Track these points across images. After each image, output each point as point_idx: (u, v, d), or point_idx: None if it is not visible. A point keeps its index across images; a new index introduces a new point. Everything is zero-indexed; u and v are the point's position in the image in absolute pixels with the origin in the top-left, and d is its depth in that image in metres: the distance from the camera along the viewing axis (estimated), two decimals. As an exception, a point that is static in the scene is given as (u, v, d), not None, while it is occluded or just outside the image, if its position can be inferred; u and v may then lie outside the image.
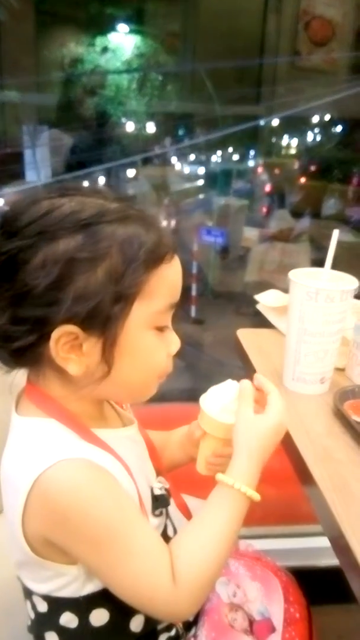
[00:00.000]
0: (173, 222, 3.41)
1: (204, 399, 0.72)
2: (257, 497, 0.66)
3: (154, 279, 0.61)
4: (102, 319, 0.59)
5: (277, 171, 3.56)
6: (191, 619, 0.77)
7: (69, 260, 0.57)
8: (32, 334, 0.59)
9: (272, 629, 0.77)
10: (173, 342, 0.67)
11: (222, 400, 0.70)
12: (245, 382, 0.70)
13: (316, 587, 0.95)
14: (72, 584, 0.65)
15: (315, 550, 1.43)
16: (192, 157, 3.48)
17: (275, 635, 0.76)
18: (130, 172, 3.28)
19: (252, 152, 3.53)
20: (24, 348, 0.60)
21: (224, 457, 0.72)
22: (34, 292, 0.57)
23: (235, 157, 3.50)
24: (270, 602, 0.80)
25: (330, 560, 0.66)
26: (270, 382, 0.72)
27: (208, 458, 0.74)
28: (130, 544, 0.60)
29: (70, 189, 0.63)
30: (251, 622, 0.77)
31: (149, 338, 0.63)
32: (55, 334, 0.59)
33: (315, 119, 3.37)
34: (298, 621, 0.80)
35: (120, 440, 0.69)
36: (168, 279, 0.63)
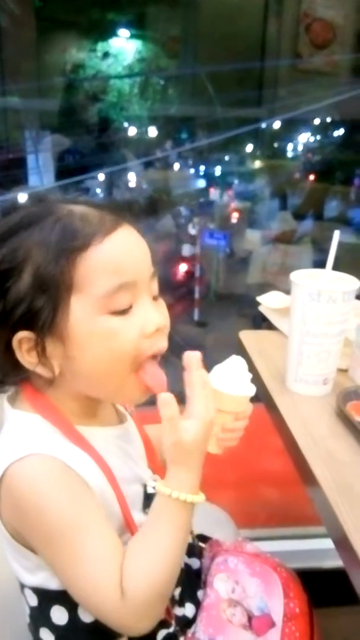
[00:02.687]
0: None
1: (210, 376, 0.72)
2: (200, 499, 0.64)
3: (83, 266, 0.61)
4: (42, 316, 0.61)
5: (279, 173, 3.57)
6: (191, 617, 0.77)
7: None
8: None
9: (272, 624, 0.76)
10: (148, 321, 0.64)
11: (228, 374, 0.71)
12: (166, 395, 0.64)
13: (321, 589, 0.95)
14: (55, 576, 0.66)
15: (320, 552, 1.42)
16: (194, 159, 3.50)
17: (274, 630, 0.76)
18: (132, 176, 3.29)
19: (254, 154, 3.54)
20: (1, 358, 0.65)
21: (235, 431, 0.73)
22: None
23: (237, 159, 3.51)
24: (270, 597, 0.79)
25: (335, 562, 0.66)
26: (195, 374, 0.66)
27: (218, 434, 0.73)
28: (80, 549, 0.61)
29: (18, 206, 0.66)
30: (250, 617, 0.77)
31: (103, 323, 0.62)
32: (14, 342, 0.62)
33: (317, 121, 3.38)
34: (298, 616, 0.79)
35: (107, 439, 0.70)
36: (102, 260, 0.61)
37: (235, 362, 0.71)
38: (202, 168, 3.52)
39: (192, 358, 0.66)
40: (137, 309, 0.64)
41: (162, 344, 0.67)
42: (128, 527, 0.68)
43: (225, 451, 0.75)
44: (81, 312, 0.61)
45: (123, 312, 0.63)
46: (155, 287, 0.67)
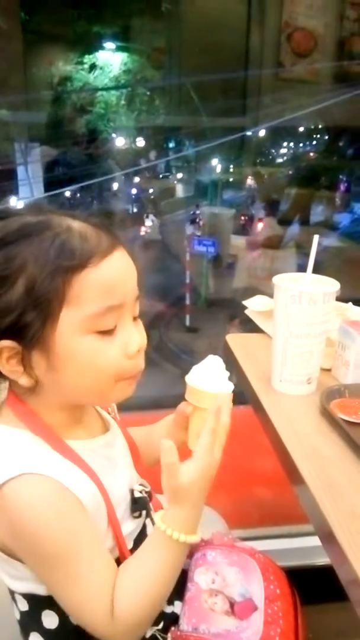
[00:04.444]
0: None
1: (189, 376, 0.74)
2: (195, 539, 0.68)
3: (77, 285, 0.61)
4: (31, 330, 0.61)
5: (265, 180, 3.60)
6: (179, 612, 0.79)
7: None
8: None
9: (254, 608, 0.79)
10: (131, 342, 0.66)
11: (206, 373, 0.73)
12: (167, 443, 0.68)
13: (313, 585, 0.96)
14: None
15: (311, 549, 1.43)
16: (181, 168, 3.53)
17: (257, 613, 0.78)
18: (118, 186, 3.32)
19: (240, 163, 3.58)
20: None
21: None
22: None
23: (223, 168, 3.55)
24: (250, 582, 0.81)
25: (326, 559, 0.68)
26: (212, 419, 0.70)
27: (199, 432, 0.75)
28: (74, 571, 0.63)
29: (7, 211, 0.67)
30: (232, 604, 0.79)
31: (88, 343, 0.63)
32: None
33: (301, 128, 3.42)
34: (280, 596, 0.81)
35: (94, 450, 0.71)
36: (96, 282, 0.62)
37: (212, 361, 0.74)
38: (187, 175, 3.56)
39: (224, 401, 0.70)
40: (120, 330, 0.66)
41: (142, 366, 0.69)
42: (117, 541, 0.70)
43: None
44: (68, 329, 0.62)
45: (108, 332, 0.64)
46: (136, 309, 0.69)
